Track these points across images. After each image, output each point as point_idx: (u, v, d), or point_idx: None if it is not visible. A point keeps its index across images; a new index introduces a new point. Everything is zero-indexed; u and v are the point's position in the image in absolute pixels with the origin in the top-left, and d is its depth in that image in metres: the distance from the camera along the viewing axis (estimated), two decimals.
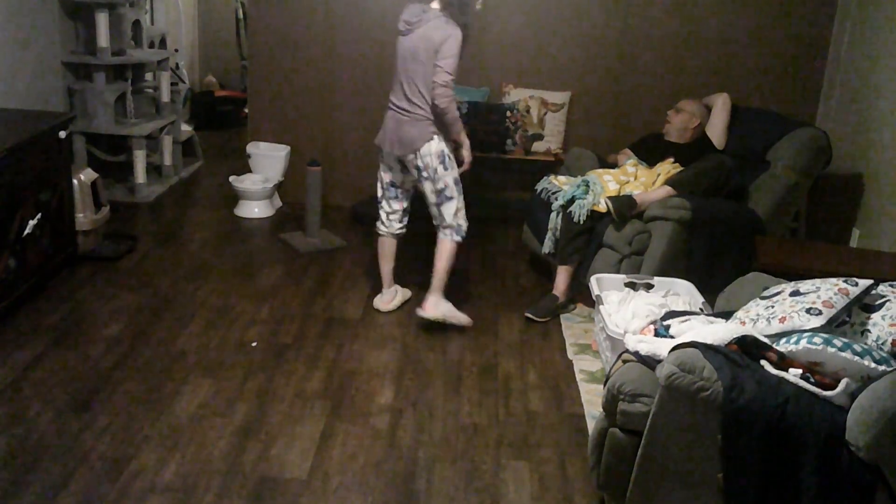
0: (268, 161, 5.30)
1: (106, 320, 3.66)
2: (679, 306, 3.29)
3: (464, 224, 3.78)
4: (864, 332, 2.41)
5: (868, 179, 4.38)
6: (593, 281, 3.60)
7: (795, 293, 2.51)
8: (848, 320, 2.46)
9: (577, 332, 3.83)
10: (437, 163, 3.63)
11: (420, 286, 3.95)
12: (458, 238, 3.78)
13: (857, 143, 4.55)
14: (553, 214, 4.02)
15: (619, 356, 2.57)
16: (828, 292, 2.43)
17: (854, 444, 2.06)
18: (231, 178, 5.23)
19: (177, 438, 2.83)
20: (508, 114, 5.04)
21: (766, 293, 2.65)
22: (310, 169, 4.76)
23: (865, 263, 3.51)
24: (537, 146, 5.16)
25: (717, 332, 2.40)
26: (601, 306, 3.35)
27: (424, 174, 3.66)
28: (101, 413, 2.95)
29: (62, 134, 3.99)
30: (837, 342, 2.20)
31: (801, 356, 2.24)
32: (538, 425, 3.07)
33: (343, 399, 3.16)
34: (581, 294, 4.09)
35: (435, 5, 3.63)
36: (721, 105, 4.44)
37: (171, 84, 5.89)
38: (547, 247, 4.09)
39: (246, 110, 6.08)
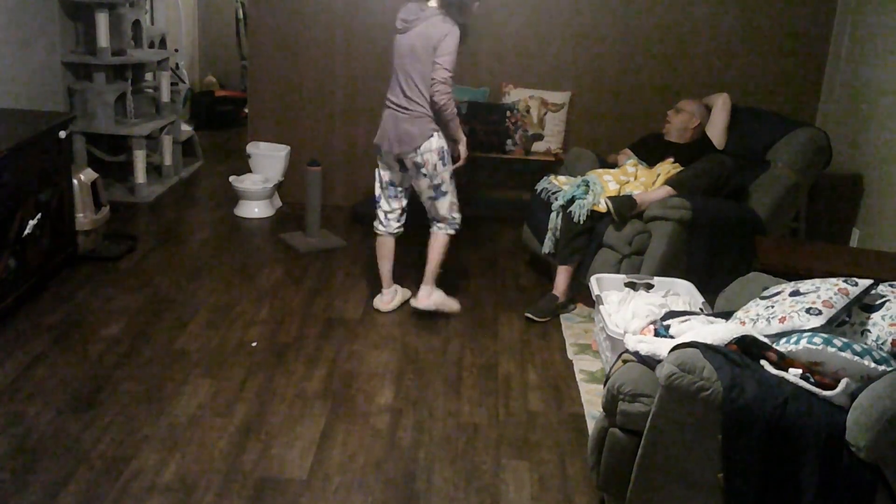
0: (268, 161, 5.31)
1: (106, 320, 3.66)
2: (679, 306, 3.29)
3: (457, 217, 3.85)
4: (864, 332, 2.41)
5: (868, 179, 4.38)
6: (593, 281, 3.60)
7: (795, 293, 2.51)
8: (848, 320, 2.46)
9: (577, 332, 3.83)
10: (437, 159, 3.66)
11: (418, 284, 3.95)
12: (452, 231, 3.86)
13: (857, 143, 4.55)
14: (553, 214, 4.02)
15: (619, 356, 2.57)
16: (828, 292, 2.43)
17: (854, 445, 2.06)
18: (231, 178, 5.23)
19: (177, 438, 2.83)
20: (508, 114, 5.04)
21: (766, 293, 2.65)
22: (310, 169, 4.76)
23: (865, 263, 3.51)
24: (537, 146, 5.16)
25: (717, 332, 2.40)
26: (601, 306, 3.35)
27: (423, 171, 3.69)
28: (101, 413, 2.95)
29: (62, 134, 3.99)
30: (837, 342, 2.20)
31: (801, 356, 2.24)
32: (538, 425, 3.07)
33: (343, 399, 3.16)
34: (581, 294, 4.09)
35: (432, 3, 3.65)
36: (721, 105, 4.44)
37: (171, 84, 5.89)
38: (547, 247, 4.09)
39: (246, 110, 6.08)
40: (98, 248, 4.37)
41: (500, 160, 5.08)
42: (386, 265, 3.97)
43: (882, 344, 2.33)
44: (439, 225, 3.85)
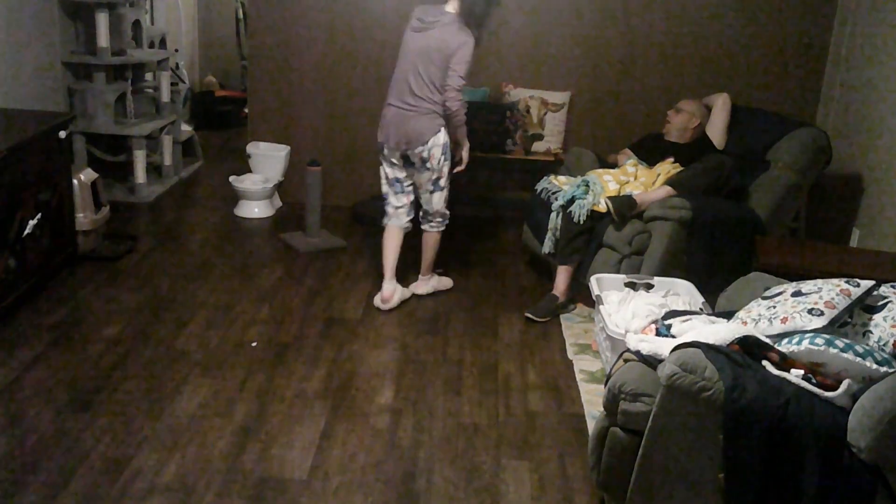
0: (268, 161, 5.30)
1: (106, 320, 3.66)
2: (679, 306, 3.29)
3: (447, 213, 4.03)
4: (866, 333, 2.41)
5: (868, 179, 4.38)
6: (593, 281, 3.60)
7: (797, 293, 2.51)
8: (850, 321, 2.46)
9: (577, 332, 3.83)
10: (441, 154, 3.80)
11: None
12: (443, 228, 4.06)
13: (857, 143, 4.55)
14: (553, 214, 4.01)
15: (621, 355, 2.57)
16: (830, 293, 2.43)
17: (855, 446, 2.06)
18: (231, 178, 5.23)
19: (177, 438, 2.83)
20: (508, 114, 5.04)
21: (767, 293, 2.65)
22: (310, 169, 4.76)
23: (865, 263, 3.51)
24: (537, 146, 5.16)
25: (719, 331, 2.40)
26: (601, 306, 3.35)
27: (428, 165, 3.82)
28: (101, 413, 2.95)
29: (62, 134, 3.99)
30: (839, 343, 2.20)
31: (803, 357, 2.24)
32: (538, 425, 3.07)
33: (343, 399, 3.16)
34: (581, 294, 4.09)
35: (449, 8, 3.76)
36: (721, 105, 4.44)
37: (171, 84, 5.88)
38: (547, 247, 4.08)
39: (246, 110, 6.07)
40: (98, 248, 4.37)
41: (500, 160, 5.08)
42: (390, 256, 4.00)
43: (884, 345, 2.33)
44: (431, 224, 4.02)
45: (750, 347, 2.32)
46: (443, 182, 3.91)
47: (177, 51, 6.83)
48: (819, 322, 2.34)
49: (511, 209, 5.32)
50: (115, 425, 2.88)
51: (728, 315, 2.73)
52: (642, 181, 4.05)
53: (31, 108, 4.65)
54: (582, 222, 3.88)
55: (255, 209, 5.22)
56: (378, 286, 4.08)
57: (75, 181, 4.18)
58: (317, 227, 4.80)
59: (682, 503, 2.28)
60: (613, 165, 4.38)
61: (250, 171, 5.35)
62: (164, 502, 2.51)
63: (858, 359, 2.17)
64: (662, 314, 2.94)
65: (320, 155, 5.19)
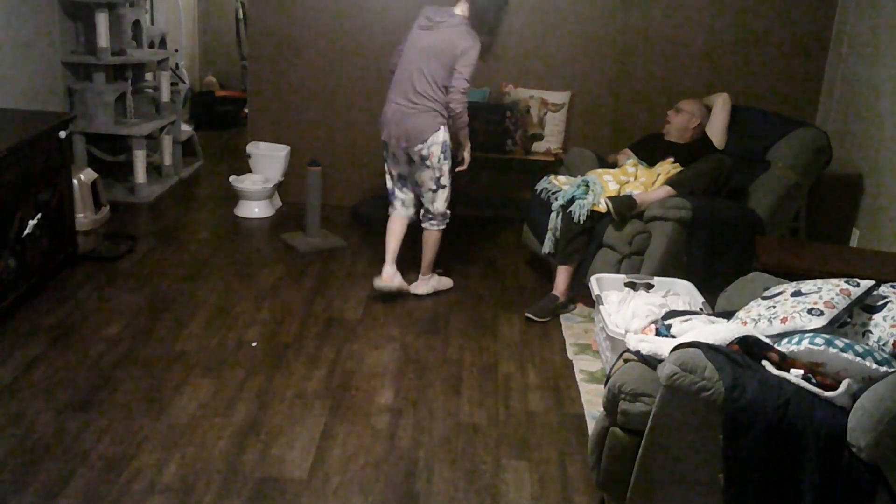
0: (268, 161, 5.30)
1: (106, 320, 3.66)
2: (679, 306, 3.29)
3: (448, 212, 4.04)
4: (866, 332, 2.41)
5: (868, 179, 4.38)
6: (593, 281, 3.60)
7: (797, 293, 2.51)
8: (849, 321, 2.46)
9: (577, 332, 3.83)
10: (440, 152, 3.82)
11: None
12: (443, 226, 4.07)
13: (857, 143, 4.55)
14: (553, 214, 4.01)
15: (621, 355, 2.57)
16: (829, 293, 2.43)
17: (855, 446, 2.06)
18: (231, 178, 5.23)
19: (177, 438, 2.83)
20: (508, 114, 5.04)
21: (767, 293, 2.65)
22: (310, 169, 4.76)
23: (866, 263, 3.51)
24: (537, 146, 5.16)
25: (719, 331, 2.40)
26: (601, 306, 3.35)
27: (428, 163, 3.85)
28: (101, 413, 2.95)
29: (62, 134, 3.99)
30: (839, 343, 2.20)
31: (803, 357, 2.24)
32: (538, 425, 3.07)
33: (343, 399, 3.16)
34: (581, 294, 4.09)
35: (458, 11, 3.81)
36: (721, 105, 4.44)
37: (171, 84, 5.89)
38: (547, 247, 4.08)
39: (246, 110, 6.07)
40: (98, 248, 4.37)
41: (500, 160, 5.08)
42: (392, 242, 4.08)
43: (884, 345, 2.33)
44: (432, 222, 4.03)
45: (749, 347, 2.32)
46: (444, 181, 3.92)
47: (177, 51, 6.83)
48: (819, 322, 2.34)
49: (511, 209, 5.32)
50: (115, 425, 2.88)
51: (728, 315, 2.73)
52: (642, 181, 4.05)
53: (31, 108, 4.65)
54: (582, 222, 3.88)
55: (255, 209, 5.22)
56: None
57: (75, 181, 4.19)
58: (317, 227, 4.80)
59: (681, 503, 2.28)
60: (613, 165, 4.38)
61: (250, 171, 5.35)
62: (164, 502, 2.51)
63: (858, 358, 2.17)
64: (662, 314, 2.94)
65: (320, 155, 5.18)
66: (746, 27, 5.05)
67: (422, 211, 4.05)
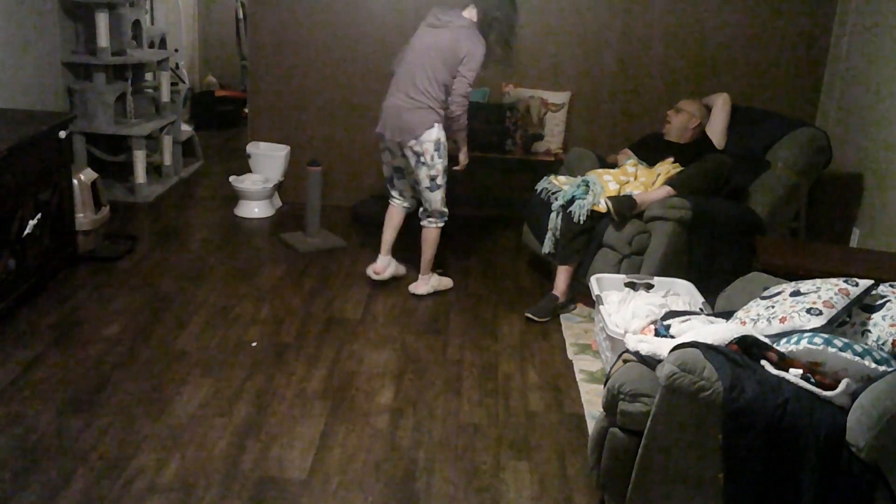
0: (268, 161, 5.30)
1: (106, 320, 3.66)
2: (679, 306, 3.29)
3: (446, 210, 4.05)
4: (865, 332, 2.41)
5: (868, 179, 4.38)
6: (593, 281, 3.60)
7: (796, 293, 2.51)
8: (848, 320, 2.46)
9: (577, 332, 3.83)
10: (434, 150, 3.84)
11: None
12: (441, 224, 4.07)
13: (857, 143, 4.55)
14: (553, 214, 4.01)
15: (620, 356, 2.57)
16: (828, 292, 2.43)
17: (854, 445, 2.06)
18: (231, 178, 5.23)
19: (177, 438, 2.83)
20: (508, 114, 5.04)
21: (766, 293, 2.66)
22: (310, 169, 4.76)
23: (865, 263, 3.51)
24: (537, 146, 5.16)
25: (718, 331, 2.40)
26: (601, 306, 3.35)
27: (422, 160, 3.87)
28: (101, 413, 2.95)
29: (62, 134, 3.99)
30: (838, 342, 2.20)
31: (802, 356, 2.24)
32: (538, 425, 3.07)
33: (343, 399, 3.16)
34: (581, 294, 4.09)
35: (467, 14, 3.86)
36: (721, 105, 4.44)
37: (171, 84, 5.89)
38: (547, 247, 4.08)
39: (246, 110, 6.08)
40: (98, 248, 4.37)
41: (500, 160, 5.08)
42: (389, 233, 4.17)
43: (882, 344, 2.33)
44: (430, 220, 4.05)
45: (749, 347, 2.32)
46: (440, 180, 3.93)
47: (177, 51, 6.83)
48: (818, 321, 2.34)
49: (511, 209, 5.32)
50: (115, 425, 2.88)
51: (727, 315, 2.73)
52: (642, 181, 4.05)
53: (31, 108, 4.65)
54: (582, 222, 3.88)
55: (255, 209, 5.22)
56: (377, 286, 4.10)
57: (75, 181, 4.19)
58: (317, 227, 4.80)
59: (681, 503, 2.28)
60: (613, 165, 4.38)
61: (250, 171, 5.35)
62: (164, 502, 2.52)
63: (857, 358, 2.17)
64: (662, 314, 2.94)
65: (320, 155, 5.19)
66: (746, 27, 5.05)
67: (420, 209, 4.06)
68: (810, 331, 2.31)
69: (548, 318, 3.94)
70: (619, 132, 5.19)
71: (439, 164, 3.89)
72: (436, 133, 3.84)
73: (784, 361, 2.25)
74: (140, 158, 5.29)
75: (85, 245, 4.27)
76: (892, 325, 2.36)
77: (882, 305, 2.44)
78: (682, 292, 3.48)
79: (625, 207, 3.82)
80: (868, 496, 2.09)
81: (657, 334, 2.68)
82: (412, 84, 3.84)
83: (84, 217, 4.25)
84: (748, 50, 5.09)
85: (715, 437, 2.16)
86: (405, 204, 4.16)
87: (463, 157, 4.12)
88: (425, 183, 3.94)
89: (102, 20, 5.01)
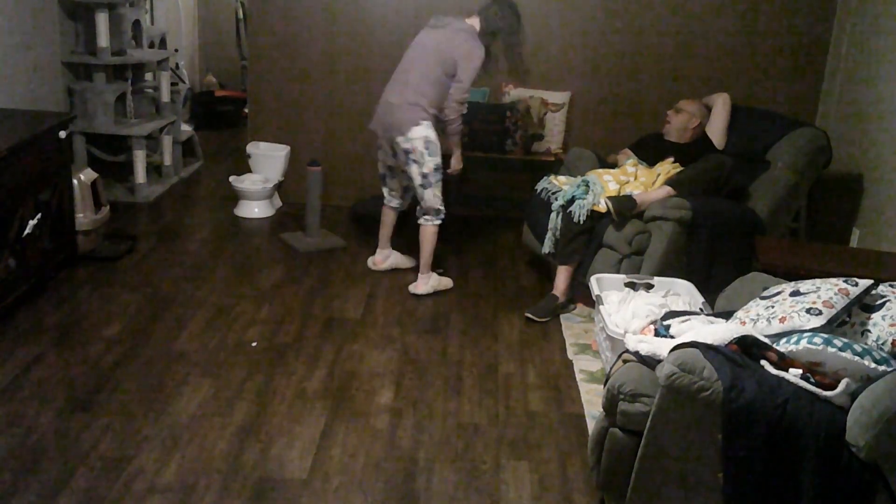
0: (268, 161, 5.30)
1: (106, 320, 3.66)
2: (679, 306, 3.29)
3: (442, 208, 4.07)
4: (865, 332, 2.41)
5: (868, 179, 4.38)
6: (593, 281, 3.60)
7: (795, 293, 2.51)
8: (848, 320, 2.46)
9: (577, 332, 3.83)
10: (423, 147, 3.87)
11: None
12: (438, 221, 4.09)
13: (857, 143, 4.55)
14: (553, 214, 4.01)
15: (620, 356, 2.57)
16: (828, 292, 2.43)
17: (854, 445, 2.06)
18: (231, 178, 5.23)
19: (177, 438, 2.83)
20: (508, 114, 5.03)
21: (766, 293, 2.66)
22: (310, 169, 4.76)
23: (865, 263, 3.51)
24: (537, 146, 5.16)
25: (718, 332, 2.40)
26: (601, 306, 3.35)
27: (412, 157, 3.92)
28: (101, 413, 2.95)
29: (62, 134, 3.99)
30: (838, 342, 2.20)
31: (802, 356, 2.24)
32: (538, 425, 3.07)
33: (343, 399, 3.16)
34: (581, 294, 4.09)
35: (469, 21, 3.91)
36: (721, 105, 4.44)
37: (171, 84, 5.89)
38: (547, 247, 4.08)
39: (246, 110, 6.08)
40: (98, 248, 4.37)
41: (500, 160, 5.07)
42: (385, 231, 4.33)
43: (882, 344, 2.33)
44: (426, 217, 4.07)
45: (748, 347, 2.32)
46: (431, 178, 3.95)
47: (177, 51, 6.83)
48: (817, 321, 2.34)
49: (511, 209, 5.32)
50: (115, 425, 2.88)
51: (727, 315, 2.73)
52: (642, 181, 4.05)
53: (31, 108, 4.65)
54: (582, 222, 3.88)
55: (255, 209, 5.22)
56: (377, 286, 4.11)
57: (75, 181, 4.19)
58: (317, 227, 4.80)
59: (681, 503, 2.28)
60: (613, 165, 4.38)
61: (250, 171, 5.35)
62: (164, 502, 2.52)
63: (857, 358, 2.17)
64: (662, 314, 2.94)
65: (320, 155, 5.19)
66: (746, 27, 5.05)
67: (417, 207, 4.08)
68: (810, 331, 2.31)
69: (548, 318, 3.94)
70: (619, 132, 5.19)
71: (430, 161, 3.91)
72: (423, 131, 3.86)
73: (784, 361, 2.25)
74: (140, 158, 5.29)
75: (85, 245, 4.27)
76: (891, 325, 2.36)
77: (882, 305, 2.44)
78: (682, 292, 3.48)
79: (625, 207, 3.82)
80: (868, 496, 2.09)
81: (657, 334, 2.68)
82: (405, 82, 3.90)
83: (84, 217, 4.25)
84: (748, 50, 5.09)
85: (715, 437, 2.16)
86: (393, 203, 4.25)
87: (455, 162, 4.16)
88: (417, 180, 3.97)
89: (102, 20, 5.01)
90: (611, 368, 2.56)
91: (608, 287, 3.57)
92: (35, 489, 2.53)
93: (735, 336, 2.37)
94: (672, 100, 4.56)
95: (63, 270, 4.09)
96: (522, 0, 5.05)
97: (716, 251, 3.79)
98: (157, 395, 3.09)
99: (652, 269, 3.71)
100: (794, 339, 2.28)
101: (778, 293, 2.59)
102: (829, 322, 2.35)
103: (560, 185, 4.14)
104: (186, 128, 6.25)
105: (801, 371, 2.21)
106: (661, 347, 2.40)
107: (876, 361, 2.18)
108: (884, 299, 2.47)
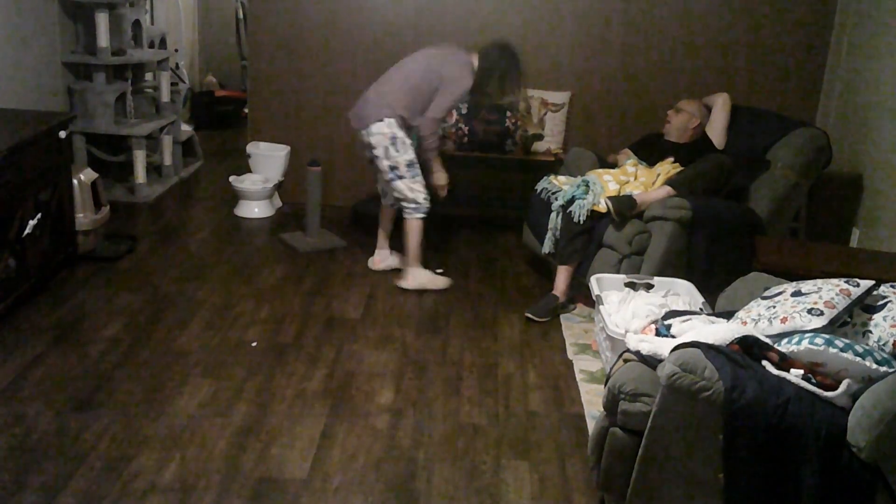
0: (268, 161, 5.30)
1: (106, 320, 3.66)
2: (679, 306, 3.29)
3: (422, 200, 4.06)
4: (866, 332, 2.41)
5: (868, 179, 4.38)
6: (593, 281, 3.60)
7: (797, 293, 2.51)
8: (849, 321, 2.46)
9: (577, 332, 3.83)
10: (388, 143, 3.94)
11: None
12: (419, 214, 4.08)
13: (857, 143, 4.55)
14: (553, 214, 4.02)
15: (620, 356, 2.57)
16: (829, 293, 2.43)
17: (855, 445, 2.06)
18: (231, 178, 5.23)
19: (177, 438, 2.83)
20: (508, 114, 5.04)
21: (767, 293, 2.65)
22: (310, 169, 4.76)
23: (866, 264, 3.51)
24: (537, 146, 5.16)
25: (719, 331, 2.40)
26: (601, 306, 3.35)
27: (376, 152, 3.99)
28: (101, 413, 2.95)
29: (62, 134, 3.99)
30: (839, 343, 2.20)
31: (803, 357, 2.24)
32: (538, 425, 3.07)
33: (343, 399, 3.16)
34: (581, 294, 4.09)
35: (470, 57, 3.99)
36: (721, 105, 4.44)
37: (171, 84, 5.89)
38: (547, 247, 4.08)
39: (246, 110, 6.08)
40: (98, 248, 4.37)
41: (500, 160, 5.08)
42: (382, 230, 4.38)
43: (883, 345, 2.33)
44: (406, 209, 4.09)
45: (749, 347, 2.32)
46: (401, 172, 3.99)
47: (177, 51, 6.83)
48: (819, 322, 2.34)
49: (511, 209, 5.32)
50: (115, 425, 2.88)
51: (728, 315, 2.73)
52: (642, 181, 4.05)
53: (31, 108, 4.65)
54: (582, 222, 3.88)
55: (255, 209, 5.22)
56: (377, 286, 4.11)
57: (75, 181, 4.18)
58: (317, 227, 4.80)
59: (681, 503, 2.28)
60: (613, 165, 4.38)
61: (250, 171, 5.35)
62: (164, 502, 2.51)
63: (858, 358, 2.17)
64: (662, 314, 2.94)
65: (320, 155, 5.19)
66: (746, 27, 5.05)
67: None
68: (811, 331, 2.31)
69: (548, 318, 3.94)
70: (619, 132, 5.19)
71: (397, 156, 3.96)
72: (384, 127, 3.92)
73: (785, 362, 2.25)
74: (140, 158, 5.29)
75: (85, 245, 4.27)
76: (892, 326, 2.35)
77: (883, 306, 2.44)
78: (682, 292, 3.48)
79: (625, 207, 3.82)
80: (868, 497, 2.09)
81: (658, 334, 2.68)
82: (387, 81, 4.02)
83: (84, 217, 4.24)
84: (748, 50, 5.09)
85: (715, 437, 2.16)
86: (387, 202, 4.31)
87: (436, 179, 4.15)
88: (388, 174, 4.02)
89: (102, 20, 5.01)
90: (611, 368, 2.55)
91: (608, 287, 3.57)
92: (35, 489, 2.52)
93: (736, 336, 2.36)
94: (672, 100, 4.57)
95: (63, 270, 4.08)
96: (523, 0, 5.10)
97: (716, 251, 3.79)
98: (157, 395, 3.09)
99: (652, 269, 3.71)
100: (796, 339, 2.28)
101: (779, 293, 2.59)
102: (831, 322, 2.35)
103: (560, 185, 4.14)
104: (186, 128, 6.25)
105: (802, 371, 2.21)
106: (663, 347, 2.40)
107: (877, 362, 2.17)
108: (885, 300, 2.46)
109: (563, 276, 4.00)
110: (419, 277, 4.17)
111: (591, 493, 2.68)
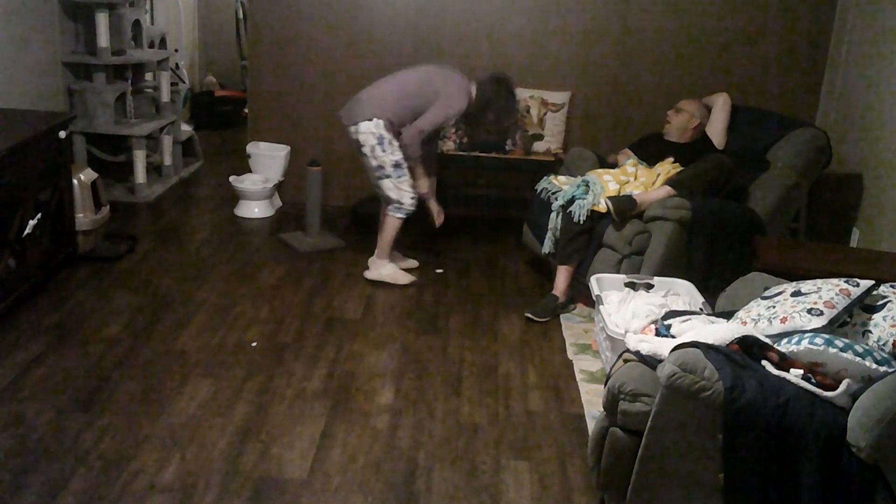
0: (268, 161, 5.30)
1: (106, 320, 3.66)
2: (679, 306, 3.29)
3: (405, 202, 4.09)
4: (866, 332, 2.41)
5: (868, 179, 4.38)
6: (593, 281, 3.60)
7: (797, 293, 2.51)
8: (849, 321, 2.46)
9: (577, 332, 3.83)
10: (375, 142, 3.98)
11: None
12: (400, 214, 4.12)
13: (857, 143, 4.55)
14: (553, 214, 4.02)
15: (620, 355, 2.57)
16: (829, 293, 2.43)
17: (855, 445, 2.06)
18: (231, 178, 5.23)
19: (177, 438, 2.83)
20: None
21: (767, 293, 2.65)
22: (310, 169, 4.76)
23: (866, 263, 3.51)
24: (537, 146, 5.16)
25: (719, 331, 2.40)
26: (601, 306, 3.35)
27: (364, 150, 4.03)
28: (101, 413, 2.95)
29: (62, 134, 3.99)
30: (839, 343, 2.20)
31: (803, 356, 2.24)
32: (538, 425, 3.07)
33: (343, 399, 3.16)
34: (581, 294, 4.09)
35: (466, 83, 4.06)
36: (721, 105, 4.44)
37: (171, 84, 5.89)
38: (547, 247, 4.09)
39: (246, 110, 6.08)
40: (98, 248, 4.37)
41: (500, 160, 5.08)
42: (379, 232, 4.33)
43: (883, 345, 2.33)
44: (389, 207, 4.13)
45: (749, 347, 2.32)
46: (387, 171, 4.02)
47: (177, 51, 6.83)
48: (818, 322, 2.34)
49: (511, 209, 5.32)
50: (115, 425, 2.88)
51: (728, 315, 2.73)
52: (642, 181, 4.05)
53: (31, 108, 4.65)
54: (582, 222, 3.88)
55: (255, 209, 5.22)
56: (377, 286, 4.11)
57: (75, 181, 4.18)
58: (317, 227, 4.80)
59: (681, 503, 2.28)
60: (613, 165, 4.38)
61: (250, 171, 5.35)
62: (164, 502, 2.52)
63: (858, 358, 2.17)
64: (662, 314, 2.94)
65: (320, 155, 5.19)
66: (746, 27, 5.05)
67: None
68: (811, 331, 2.31)
69: (548, 318, 3.94)
70: (619, 132, 5.19)
71: (383, 156, 3.99)
72: (372, 127, 3.95)
73: (785, 362, 2.25)
74: (140, 158, 5.29)
75: (85, 245, 4.27)
76: (892, 326, 2.36)
77: (883, 306, 2.44)
78: (682, 292, 3.48)
79: (625, 207, 3.82)
80: (868, 497, 2.09)
81: (658, 334, 2.68)
82: (381, 85, 4.07)
83: (84, 217, 4.25)
84: (748, 50, 5.09)
85: (715, 437, 2.16)
86: (384, 202, 4.28)
87: (432, 207, 4.22)
88: (372, 173, 4.08)
89: (102, 20, 5.01)
90: (611, 368, 2.55)
91: (608, 287, 3.57)
92: (35, 489, 2.52)
93: (736, 336, 2.36)
94: (672, 100, 4.57)
95: (63, 270, 4.08)
96: (523, 0, 5.10)
97: (716, 251, 3.79)
98: (157, 395, 3.09)
99: (652, 269, 3.71)
100: (796, 339, 2.28)
101: (779, 293, 2.59)
102: (831, 322, 2.35)
103: (560, 185, 4.14)
104: (186, 128, 6.25)
105: (802, 371, 2.21)
106: (662, 347, 2.40)
107: (877, 362, 2.17)
108: (885, 300, 2.46)
109: (563, 276, 3.99)
110: (382, 270, 4.23)
111: (591, 493, 2.68)
